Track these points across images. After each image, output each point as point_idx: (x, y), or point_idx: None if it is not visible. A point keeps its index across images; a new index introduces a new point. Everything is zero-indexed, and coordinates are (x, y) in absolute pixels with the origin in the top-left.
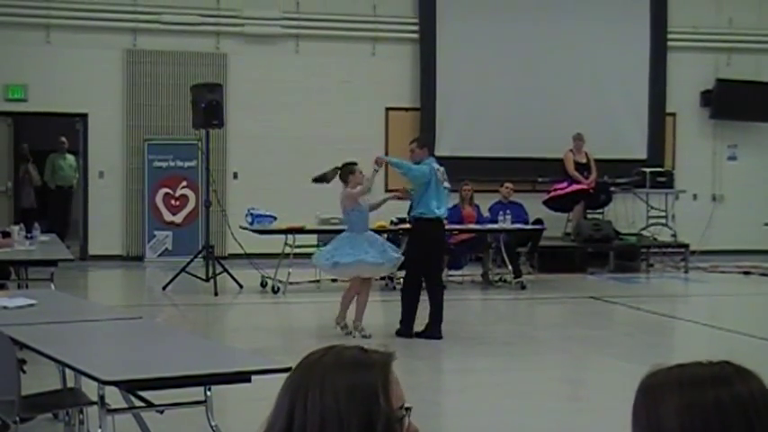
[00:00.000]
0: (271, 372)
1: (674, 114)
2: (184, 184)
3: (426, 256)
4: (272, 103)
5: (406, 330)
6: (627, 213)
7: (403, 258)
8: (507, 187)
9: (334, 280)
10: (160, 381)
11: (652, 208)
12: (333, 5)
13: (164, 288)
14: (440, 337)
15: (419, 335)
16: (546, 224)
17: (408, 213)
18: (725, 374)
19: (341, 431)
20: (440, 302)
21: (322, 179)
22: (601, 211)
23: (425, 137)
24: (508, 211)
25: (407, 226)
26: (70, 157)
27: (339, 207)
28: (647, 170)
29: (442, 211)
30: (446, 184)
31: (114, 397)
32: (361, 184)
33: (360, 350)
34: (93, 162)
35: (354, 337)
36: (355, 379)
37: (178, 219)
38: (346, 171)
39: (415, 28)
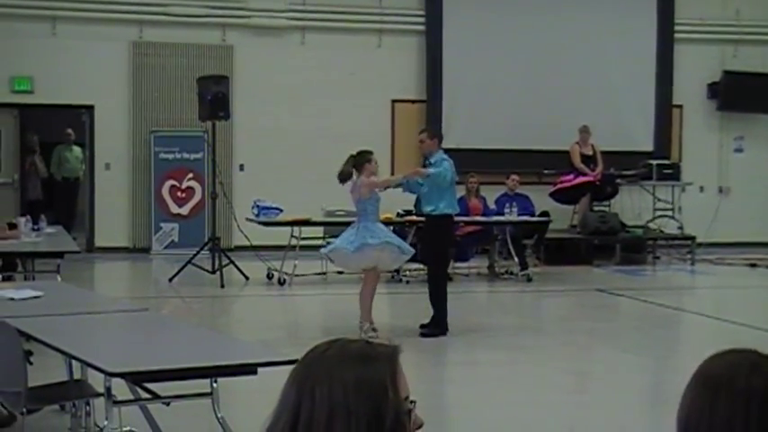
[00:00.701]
0: (277, 364)
1: (680, 106)
2: (191, 175)
3: (447, 251)
4: (279, 95)
5: (444, 328)
6: (633, 205)
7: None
8: (513, 179)
9: (340, 272)
10: (166, 373)
11: (658, 200)
12: None
13: (170, 280)
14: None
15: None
16: (552, 216)
17: (419, 208)
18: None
19: (349, 425)
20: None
21: (344, 176)
22: (607, 203)
23: (435, 128)
24: (514, 204)
25: (414, 219)
26: (77, 149)
27: (346, 197)
28: (654, 162)
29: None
30: None
31: (121, 389)
32: (374, 174)
33: (365, 343)
34: (100, 154)
35: (370, 335)
36: (363, 372)
37: (184, 211)
38: (362, 160)
39: (422, 20)
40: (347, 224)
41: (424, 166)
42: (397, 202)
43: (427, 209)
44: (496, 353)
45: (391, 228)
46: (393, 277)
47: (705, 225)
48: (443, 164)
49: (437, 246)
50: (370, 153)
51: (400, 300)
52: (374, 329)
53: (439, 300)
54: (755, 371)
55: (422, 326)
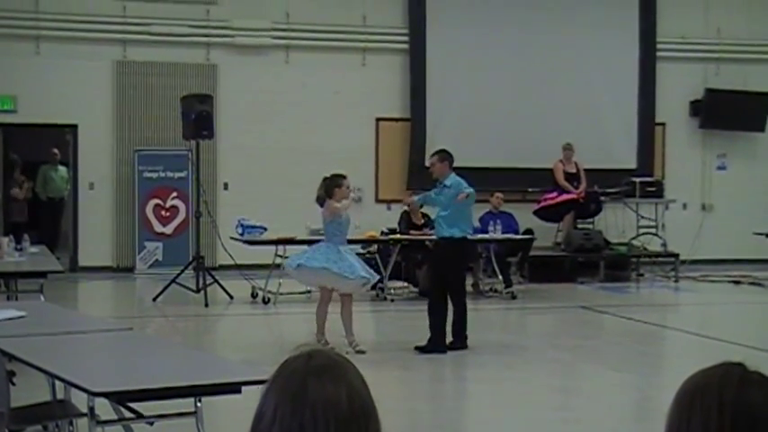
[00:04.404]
0: (261, 383)
1: (663, 124)
2: (175, 194)
3: (462, 271)
4: (263, 114)
5: (442, 346)
6: (617, 223)
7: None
8: (497, 197)
9: None
10: (150, 392)
11: (642, 217)
12: (323, 16)
13: (154, 299)
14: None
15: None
16: (536, 234)
17: (436, 231)
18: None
19: None
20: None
21: (320, 200)
22: (591, 220)
23: (445, 151)
24: (498, 221)
25: (398, 237)
26: (62, 169)
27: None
28: (637, 180)
29: None
30: None
31: (104, 408)
32: (346, 198)
33: (331, 357)
34: (83, 173)
35: (348, 353)
36: (354, 382)
37: (168, 230)
38: (333, 184)
39: (406, 38)
40: None
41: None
42: (381, 219)
43: (447, 232)
44: (482, 370)
45: (375, 246)
46: (378, 295)
47: (688, 242)
48: (452, 188)
49: (457, 269)
50: (342, 177)
51: (385, 317)
52: (326, 343)
53: (436, 316)
54: (727, 382)
55: (417, 348)
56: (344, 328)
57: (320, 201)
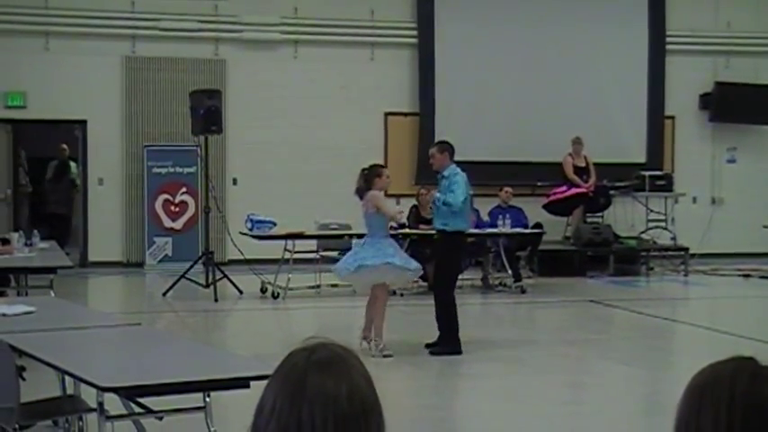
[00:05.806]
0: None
1: (672, 117)
2: (184, 190)
3: (458, 269)
4: (271, 109)
5: (457, 347)
6: (626, 217)
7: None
8: (506, 191)
9: (334, 285)
10: (159, 387)
11: (651, 211)
12: (331, 11)
13: (164, 294)
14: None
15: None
16: (545, 228)
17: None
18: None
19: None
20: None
21: (360, 192)
22: (600, 214)
23: (445, 142)
24: (507, 216)
25: (407, 231)
26: (71, 165)
27: (339, 210)
28: (647, 173)
29: None
30: None
31: (113, 403)
32: (386, 188)
33: (336, 351)
34: (93, 169)
35: (375, 356)
36: (360, 376)
37: (178, 225)
38: (372, 174)
39: (414, 33)
40: (340, 237)
41: (437, 182)
42: None
43: (439, 224)
44: (491, 365)
45: None
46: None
47: (698, 236)
48: (461, 183)
49: (447, 264)
50: (382, 167)
51: (395, 312)
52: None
53: (449, 319)
54: (738, 377)
55: (428, 345)
56: (366, 320)
57: (360, 193)
